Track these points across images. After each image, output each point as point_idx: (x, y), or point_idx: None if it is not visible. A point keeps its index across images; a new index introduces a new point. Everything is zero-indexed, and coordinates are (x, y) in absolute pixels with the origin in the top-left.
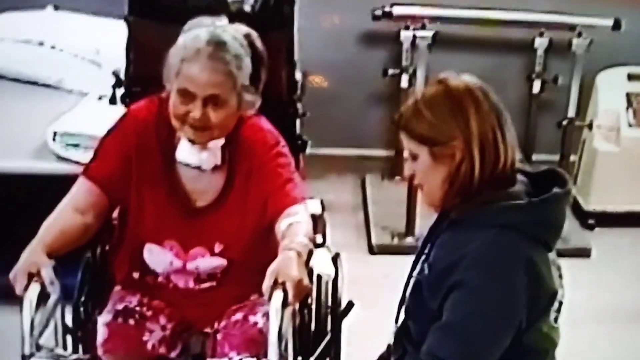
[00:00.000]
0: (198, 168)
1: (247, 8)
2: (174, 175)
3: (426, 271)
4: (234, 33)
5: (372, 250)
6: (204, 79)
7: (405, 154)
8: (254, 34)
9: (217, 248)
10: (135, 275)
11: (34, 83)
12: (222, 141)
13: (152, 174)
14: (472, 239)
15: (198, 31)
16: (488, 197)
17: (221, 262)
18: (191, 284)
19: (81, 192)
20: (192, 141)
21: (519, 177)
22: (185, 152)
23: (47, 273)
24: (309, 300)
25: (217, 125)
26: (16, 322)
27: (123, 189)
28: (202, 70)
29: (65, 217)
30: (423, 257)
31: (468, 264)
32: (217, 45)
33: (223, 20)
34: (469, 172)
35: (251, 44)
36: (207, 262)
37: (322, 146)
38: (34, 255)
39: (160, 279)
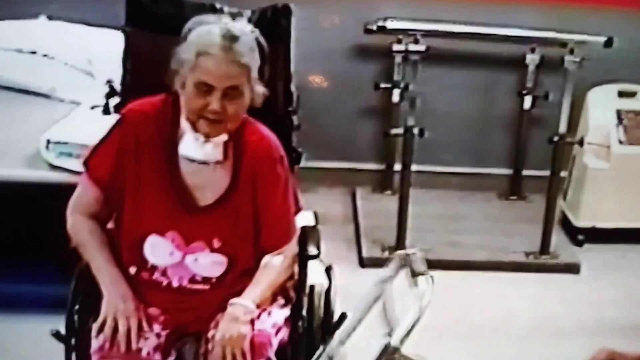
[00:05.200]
0: (201, 163)
1: (242, 20)
2: (175, 169)
3: None
4: (243, 28)
5: (362, 263)
6: (222, 71)
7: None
8: (257, 31)
9: (216, 244)
10: (132, 270)
11: (26, 92)
12: (225, 137)
13: (153, 169)
14: None
15: (209, 27)
16: None
17: (220, 259)
18: (185, 283)
19: (83, 193)
20: (207, 134)
21: None
22: (190, 146)
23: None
24: (303, 312)
25: (232, 118)
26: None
27: (120, 190)
28: (220, 62)
29: (93, 229)
30: None
31: None
32: (232, 38)
33: (226, 18)
34: None
35: (256, 40)
36: (206, 257)
37: (313, 159)
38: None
39: (156, 275)
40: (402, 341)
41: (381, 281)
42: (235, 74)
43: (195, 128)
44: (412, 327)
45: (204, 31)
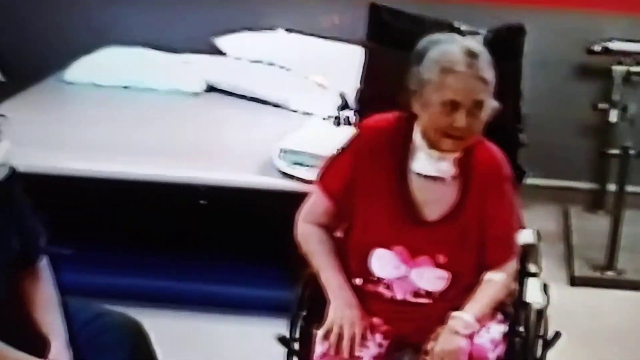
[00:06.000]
0: (433, 178)
1: (479, 39)
2: (406, 186)
3: None
4: (481, 46)
5: (573, 281)
6: (468, 87)
7: None
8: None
9: (441, 259)
10: (358, 281)
11: (262, 101)
12: (458, 153)
13: (384, 185)
14: None
15: (449, 45)
16: None
17: (443, 274)
18: (408, 296)
19: (316, 203)
20: (448, 151)
21: None
22: (424, 162)
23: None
24: (520, 328)
25: (474, 133)
26: None
27: (351, 203)
28: (466, 79)
29: (322, 238)
30: None
31: None
32: (473, 55)
33: (459, 37)
34: None
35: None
36: (430, 272)
37: (528, 176)
38: (353, 309)
39: (380, 287)
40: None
41: None
42: (480, 90)
43: (435, 145)
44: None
45: (445, 50)
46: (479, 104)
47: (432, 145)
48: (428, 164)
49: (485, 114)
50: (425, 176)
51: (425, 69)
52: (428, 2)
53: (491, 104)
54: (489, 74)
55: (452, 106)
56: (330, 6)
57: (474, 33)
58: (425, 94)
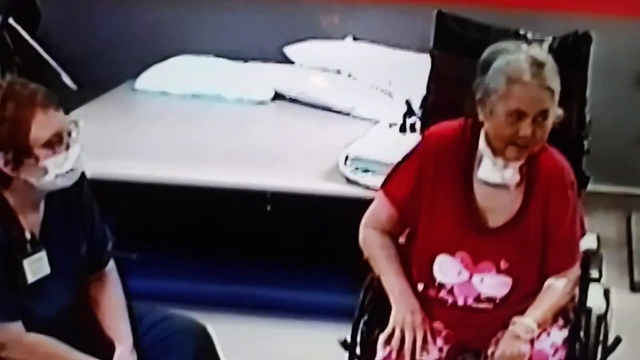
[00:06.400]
0: (498, 186)
1: (545, 46)
2: (470, 193)
3: None
4: (546, 55)
5: (634, 287)
6: (534, 97)
7: None
8: (550, 56)
9: (503, 265)
10: (420, 286)
11: (329, 109)
12: (522, 161)
13: (449, 192)
14: None
15: (515, 55)
16: None
17: (505, 280)
18: (470, 302)
19: (379, 209)
20: (513, 159)
21: None
22: (489, 171)
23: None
24: (580, 334)
25: (538, 141)
26: None
27: (415, 209)
28: (532, 89)
29: (384, 243)
30: None
31: None
32: (539, 65)
33: (524, 46)
34: None
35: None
36: (492, 278)
37: (591, 182)
38: (415, 314)
39: (442, 293)
40: None
41: None
42: (545, 99)
43: (500, 153)
44: None
45: (511, 60)
46: (544, 113)
47: (497, 153)
48: (493, 171)
49: (550, 122)
50: (490, 184)
51: (491, 78)
52: (495, 10)
53: (556, 112)
54: (554, 83)
55: (518, 115)
56: (397, 15)
57: (540, 41)
58: (491, 102)
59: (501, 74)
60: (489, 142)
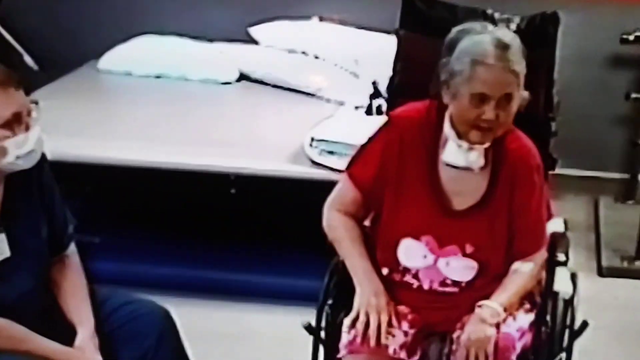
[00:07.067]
0: (463, 169)
1: (512, 26)
2: (435, 176)
3: None
4: (512, 36)
5: (601, 272)
6: (498, 80)
7: None
8: (517, 37)
9: (469, 249)
10: (385, 270)
11: (295, 90)
12: (487, 144)
13: (414, 174)
14: None
15: (480, 36)
16: None
17: (471, 264)
18: (435, 286)
19: (344, 191)
20: (477, 143)
21: None
22: (453, 153)
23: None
24: (547, 317)
25: (503, 125)
26: None
27: (380, 193)
28: (496, 72)
29: (348, 226)
30: None
31: None
32: (505, 47)
33: (491, 26)
34: None
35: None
36: (458, 262)
37: (560, 166)
38: (380, 297)
39: (407, 277)
40: None
41: None
42: (510, 82)
43: (464, 137)
44: None
45: (476, 41)
46: (508, 97)
47: (461, 136)
48: (457, 154)
49: (515, 105)
50: (455, 167)
51: (456, 59)
52: None
53: (521, 95)
54: (520, 66)
55: (481, 98)
56: None
57: (507, 20)
58: (455, 85)
59: (466, 56)
60: (453, 125)
